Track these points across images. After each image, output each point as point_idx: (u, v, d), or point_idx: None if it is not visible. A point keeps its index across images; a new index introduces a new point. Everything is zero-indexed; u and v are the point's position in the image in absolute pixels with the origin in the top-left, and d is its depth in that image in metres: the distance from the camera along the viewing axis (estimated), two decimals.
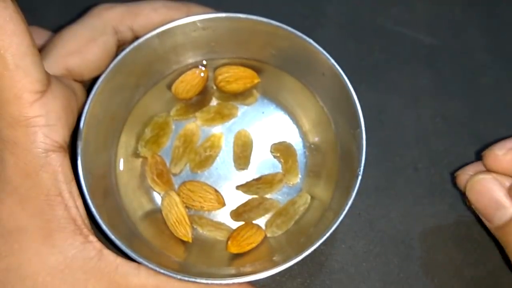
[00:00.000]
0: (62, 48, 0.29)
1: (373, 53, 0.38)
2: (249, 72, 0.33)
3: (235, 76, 0.33)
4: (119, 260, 0.26)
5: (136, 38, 0.30)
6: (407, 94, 0.37)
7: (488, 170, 0.29)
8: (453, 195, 0.34)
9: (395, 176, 0.35)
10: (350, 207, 0.27)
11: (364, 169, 0.28)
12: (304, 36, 0.30)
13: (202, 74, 0.33)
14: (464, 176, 0.30)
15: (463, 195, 0.30)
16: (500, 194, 0.28)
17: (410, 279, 0.32)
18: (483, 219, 0.29)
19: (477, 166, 0.30)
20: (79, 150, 0.28)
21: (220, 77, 0.33)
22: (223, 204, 0.32)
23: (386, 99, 0.37)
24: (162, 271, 0.26)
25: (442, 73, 0.38)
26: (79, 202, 0.27)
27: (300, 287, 0.32)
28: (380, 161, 0.35)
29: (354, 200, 0.27)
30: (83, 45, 0.30)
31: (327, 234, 0.27)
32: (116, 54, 0.30)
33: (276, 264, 0.27)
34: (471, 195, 0.29)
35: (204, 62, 0.33)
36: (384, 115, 0.36)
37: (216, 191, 0.32)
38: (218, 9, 0.31)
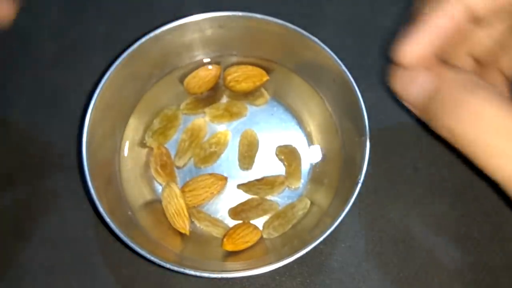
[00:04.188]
0: None
1: (373, 52, 0.37)
2: (257, 70, 0.33)
3: (244, 75, 0.33)
4: None
5: None
6: None
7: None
8: (453, 195, 0.34)
9: (395, 176, 0.34)
10: (350, 208, 0.27)
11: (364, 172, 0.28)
12: (318, 41, 0.30)
13: (214, 71, 0.33)
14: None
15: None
16: (409, 73, 0.25)
17: (410, 279, 0.32)
18: (415, 112, 0.26)
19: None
20: (84, 135, 0.28)
21: (229, 77, 0.33)
22: (226, 179, 0.32)
23: (386, 98, 0.36)
24: (158, 261, 0.26)
25: None
26: None
27: (300, 286, 0.32)
28: (380, 160, 0.34)
29: (354, 200, 0.27)
30: None
31: (321, 239, 0.27)
32: (132, 43, 0.30)
33: (268, 264, 0.27)
34: (396, 92, 0.26)
35: (218, 60, 0.34)
36: (384, 115, 0.36)
37: (211, 173, 0.32)
38: (218, 8, 0.31)
